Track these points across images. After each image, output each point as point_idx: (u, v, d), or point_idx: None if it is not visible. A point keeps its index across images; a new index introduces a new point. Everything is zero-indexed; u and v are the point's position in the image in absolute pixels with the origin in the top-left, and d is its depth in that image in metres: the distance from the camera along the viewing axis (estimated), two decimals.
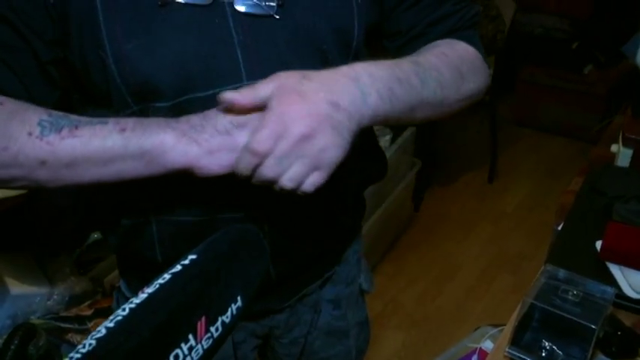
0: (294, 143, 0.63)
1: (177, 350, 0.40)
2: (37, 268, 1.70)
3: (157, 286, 0.42)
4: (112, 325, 0.40)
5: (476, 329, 1.83)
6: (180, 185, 0.78)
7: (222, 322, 0.44)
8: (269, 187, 0.68)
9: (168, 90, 0.71)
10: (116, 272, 1.70)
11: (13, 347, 1.37)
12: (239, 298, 0.45)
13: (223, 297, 0.44)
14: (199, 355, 0.42)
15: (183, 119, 0.68)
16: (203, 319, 0.42)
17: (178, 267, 0.44)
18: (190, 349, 0.41)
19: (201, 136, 0.66)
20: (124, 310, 0.40)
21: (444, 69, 0.80)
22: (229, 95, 0.65)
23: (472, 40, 0.88)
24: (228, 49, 0.72)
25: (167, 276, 0.43)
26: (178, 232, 0.82)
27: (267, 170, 0.64)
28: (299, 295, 0.98)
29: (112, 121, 0.67)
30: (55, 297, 1.66)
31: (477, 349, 1.67)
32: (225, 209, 0.80)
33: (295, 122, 0.63)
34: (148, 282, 0.97)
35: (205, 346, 0.42)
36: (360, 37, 0.81)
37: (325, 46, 0.78)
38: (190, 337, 0.41)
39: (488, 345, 1.64)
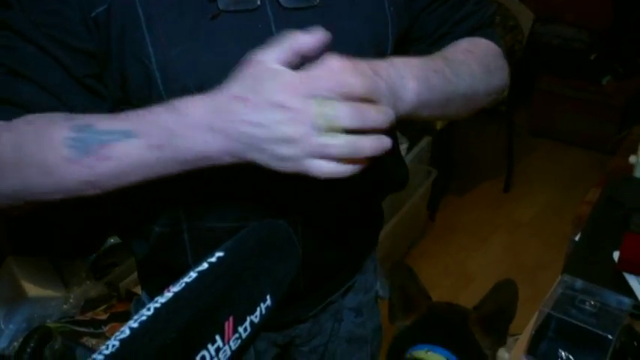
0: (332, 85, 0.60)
1: (204, 352, 0.40)
2: (53, 272, 1.72)
3: (183, 284, 0.42)
4: (136, 325, 0.40)
5: None
6: (212, 191, 0.78)
7: (251, 323, 0.43)
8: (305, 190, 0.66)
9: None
10: (131, 277, 1.71)
11: (29, 350, 1.38)
12: (268, 297, 0.44)
13: (252, 296, 0.44)
14: (227, 357, 0.41)
15: (211, 111, 0.63)
16: (231, 319, 0.41)
17: (205, 265, 0.43)
18: (217, 350, 0.40)
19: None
20: (148, 309, 0.40)
21: (473, 64, 0.81)
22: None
23: (493, 37, 0.89)
24: None
25: (193, 274, 0.42)
26: (212, 238, 0.81)
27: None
28: (323, 304, 0.99)
29: (135, 132, 0.64)
30: (71, 301, 1.67)
31: None
32: (257, 216, 0.79)
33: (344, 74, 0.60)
34: None
35: (233, 347, 0.41)
36: (392, 44, 0.82)
37: (362, 51, 0.77)
38: (217, 337, 0.40)
39: (502, 354, 1.62)
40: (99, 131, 0.65)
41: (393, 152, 0.96)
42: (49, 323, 1.53)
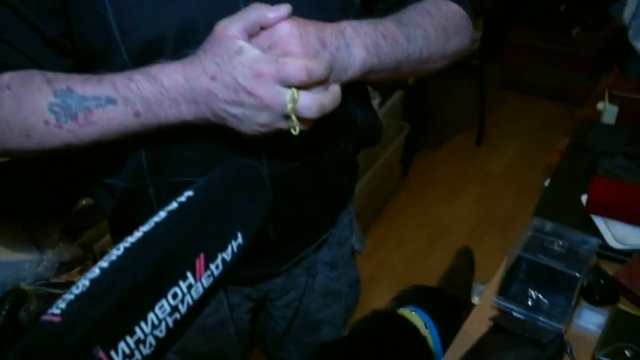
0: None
1: (176, 289, 0.40)
2: (25, 236, 1.70)
3: (153, 224, 0.41)
4: (105, 264, 0.39)
5: None
6: (175, 145, 0.78)
7: (223, 260, 0.43)
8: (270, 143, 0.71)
9: (169, 45, 0.70)
10: (105, 239, 1.70)
11: (4, 312, 1.37)
12: (239, 234, 0.45)
13: (223, 233, 0.44)
14: (199, 294, 0.41)
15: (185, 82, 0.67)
16: (202, 255, 0.41)
17: (174, 204, 0.43)
18: (189, 287, 0.40)
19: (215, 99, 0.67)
20: (118, 249, 0.40)
21: (429, 27, 0.81)
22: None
23: (459, 0, 0.88)
24: (231, 2, 0.71)
25: (163, 214, 0.42)
26: (178, 192, 0.82)
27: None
28: (296, 259, 0.99)
29: (120, 100, 0.67)
30: (45, 264, 1.66)
31: None
32: None
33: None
34: None
35: (205, 285, 0.41)
36: (359, 3, 0.81)
37: (327, 3, 0.77)
38: (189, 274, 0.40)
39: (477, 301, 1.67)
40: (82, 97, 0.67)
41: (364, 104, 0.95)
42: (24, 286, 1.52)
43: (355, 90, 0.85)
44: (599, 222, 1.13)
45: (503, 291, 1.01)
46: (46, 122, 0.67)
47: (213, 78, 0.64)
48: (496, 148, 3.04)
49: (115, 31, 0.68)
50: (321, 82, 0.66)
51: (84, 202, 1.79)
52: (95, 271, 0.39)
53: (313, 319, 1.11)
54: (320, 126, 0.80)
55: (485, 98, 3.01)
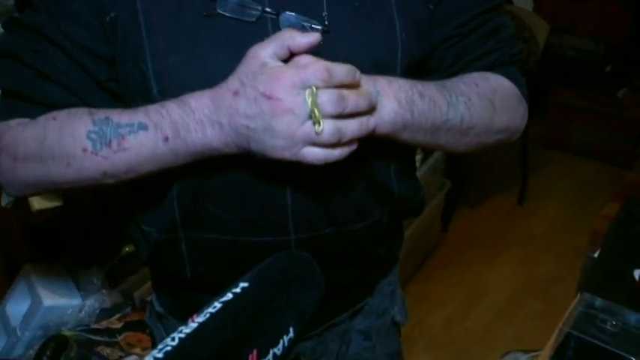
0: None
1: None
2: (69, 280, 1.73)
3: (208, 315, 0.41)
4: (160, 355, 0.39)
5: (504, 354, 1.80)
6: (207, 202, 0.78)
7: (274, 355, 0.42)
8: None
9: None
10: (146, 286, 1.71)
11: (45, 358, 1.39)
12: (291, 329, 0.44)
13: (275, 328, 0.43)
14: None
15: (213, 107, 0.67)
16: (254, 352, 0.41)
17: (229, 295, 0.43)
18: None
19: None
20: (172, 339, 0.40)
21: (474, 97, 0.78)
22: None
23: (512, 76, 0.85)
24: None
25: (218, 305, 0.42)
26: (209, 249, 0.82)
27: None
28: (327, 325, 0.97)
29: (151, 125, 0.68)
30: (87, 309, 1.68)
31: None
32: (254, 232, 0.79)
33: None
34: (177, 298, 0.95)
35: None
36: (402, 71, 0.78)
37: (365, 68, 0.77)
38: None
39: None
40: (117, 124, 0.69)
41: (403, 175, 0.90)
42: (65, 331, 1.54)
43: (389, 159, 0.84)
44: None
45: None
46: (84, 150, 0.69)
47: (235, 93, 0.64)
48: (538, 208, 2.99)
49: (153, 89, 0.71)
50: (359, 113, 0.65)
51: (127, 248, 1.82)
52: None
53: None
54: (349, 196, 0.79)
55: (528, 157, 2.97)
